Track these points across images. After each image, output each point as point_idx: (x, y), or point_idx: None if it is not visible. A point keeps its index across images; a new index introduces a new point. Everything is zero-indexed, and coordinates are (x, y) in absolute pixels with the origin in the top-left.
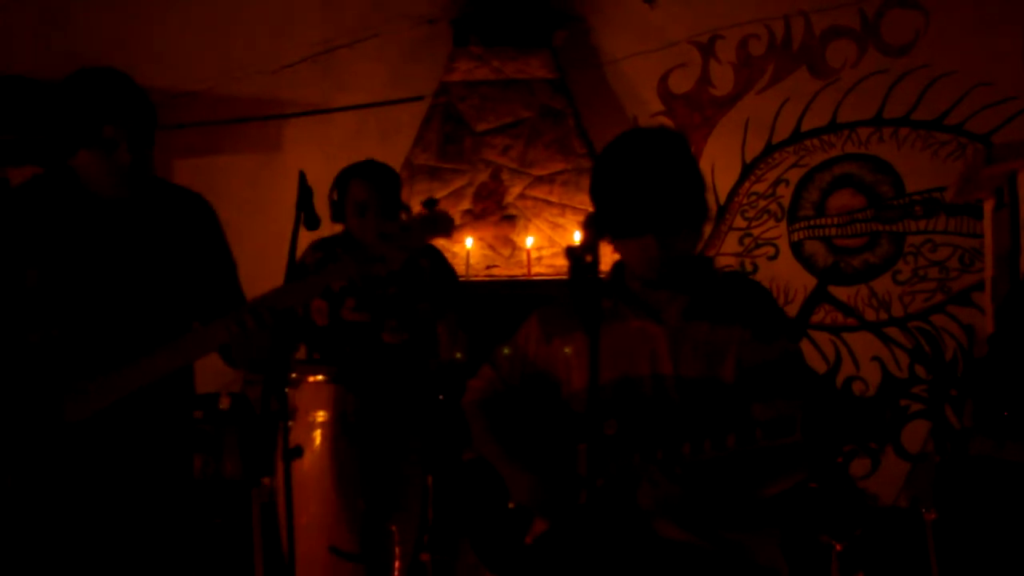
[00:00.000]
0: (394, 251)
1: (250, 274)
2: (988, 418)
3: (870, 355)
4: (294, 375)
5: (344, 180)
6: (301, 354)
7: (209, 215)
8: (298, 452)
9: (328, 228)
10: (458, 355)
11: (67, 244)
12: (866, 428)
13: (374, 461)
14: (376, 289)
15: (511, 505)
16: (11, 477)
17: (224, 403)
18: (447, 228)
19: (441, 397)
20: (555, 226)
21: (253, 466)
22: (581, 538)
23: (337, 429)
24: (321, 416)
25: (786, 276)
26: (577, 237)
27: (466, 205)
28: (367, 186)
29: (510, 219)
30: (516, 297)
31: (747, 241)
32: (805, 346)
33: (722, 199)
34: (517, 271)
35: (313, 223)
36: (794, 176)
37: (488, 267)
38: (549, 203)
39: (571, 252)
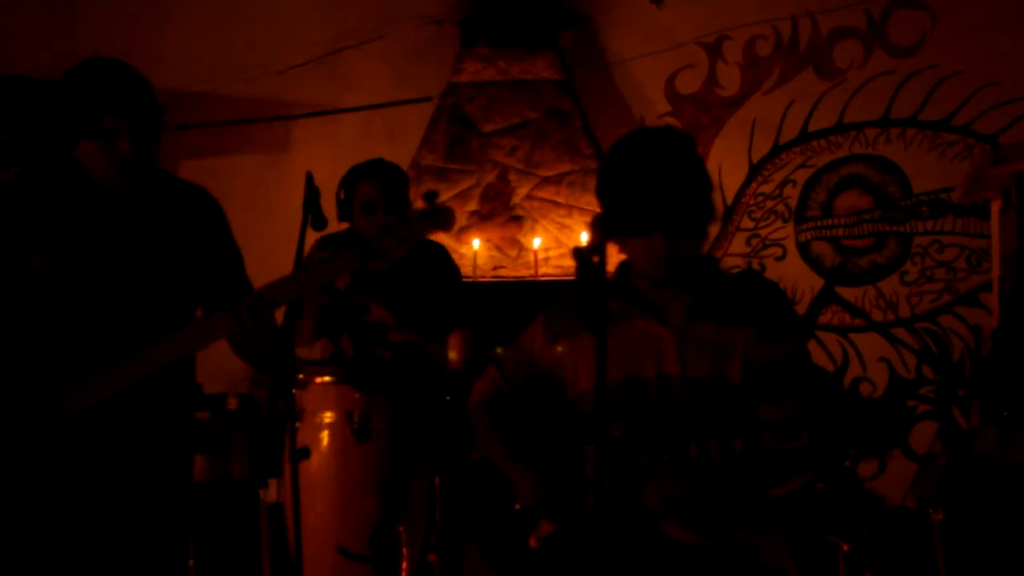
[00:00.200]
0: (394, 244)
1: (257, 274)
2: (993, 414)
3: (877, 356)
4: (301, 376)
5: (351, 179)
6: (307, 354)
7: (214, 208)
8: (305, 453)
9: (335, 228)
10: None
11: (68, 234)
12: (874, 432)
13: (381, 462)
14: (383, 287)
15: (517, 506)
16: (10, 466)
17: (232, 404)
18: (447, 221)
19: (448, 398)
20: (562, 227)
21: (261, 467)
22: (587, 539)
23: (344, 430)
24: (328, 417)
25: (793, 277)
26: (584, 238)
27: (473, 206)
28: (374, 185)
29: (517, 220)
30: (523, 298)
31: (754, 242)
32: (812, 347)
33: (729, 200)
34: (524, 272)
35: (320, 224)
36: (801, 177)
37: (495, 268)
38: (556, 204)
39: (578, 253)
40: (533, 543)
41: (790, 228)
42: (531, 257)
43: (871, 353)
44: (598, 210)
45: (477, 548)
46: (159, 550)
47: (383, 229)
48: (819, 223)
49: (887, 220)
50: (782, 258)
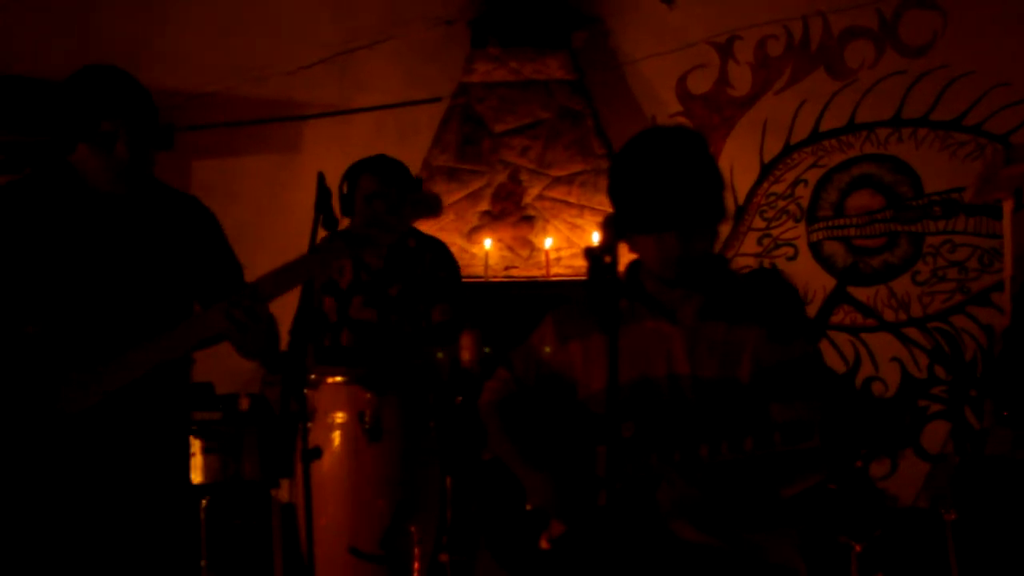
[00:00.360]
0: (382, 232)
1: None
2: (1004, 413)
3: (889, 356)
4: (313, 376)
5: (354, 174)
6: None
7: (208, 217)
8: (317, 453)
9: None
10: (487, 349)
11: (65, 237)
12: (885, 432)
13: (393, 462)
14: (382, 287)
15: (528, 507)
16: (8, 466)
17: (243, 404)
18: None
19: (459, 398)
20: (573, 227)
21: (272, 467)
22: (599, 540)
23: (356, 430)
24: (340, 417)
25: (805, 277)
26: (596, 238)
27: (484, 206)
28: (376, 179)
29: (528, 220)
30: (534, 298)
31: (766, 242)
32: (824, 347)
33: (741, 200)
34: (536, 272)
35: (332, 224)
36: (813, 177)
37: (507, 268)
38: (568, 204)
39: (590, 253)
40: (544, 544)
41: (802, 228)
42: (543, 257)
43: (883, 353)
44: (610, 210)
45: (488, 549)
46: (157, 550)
47: (370, 217)
48: (831, 223)
49: (899, 220)
50: (794, 258)
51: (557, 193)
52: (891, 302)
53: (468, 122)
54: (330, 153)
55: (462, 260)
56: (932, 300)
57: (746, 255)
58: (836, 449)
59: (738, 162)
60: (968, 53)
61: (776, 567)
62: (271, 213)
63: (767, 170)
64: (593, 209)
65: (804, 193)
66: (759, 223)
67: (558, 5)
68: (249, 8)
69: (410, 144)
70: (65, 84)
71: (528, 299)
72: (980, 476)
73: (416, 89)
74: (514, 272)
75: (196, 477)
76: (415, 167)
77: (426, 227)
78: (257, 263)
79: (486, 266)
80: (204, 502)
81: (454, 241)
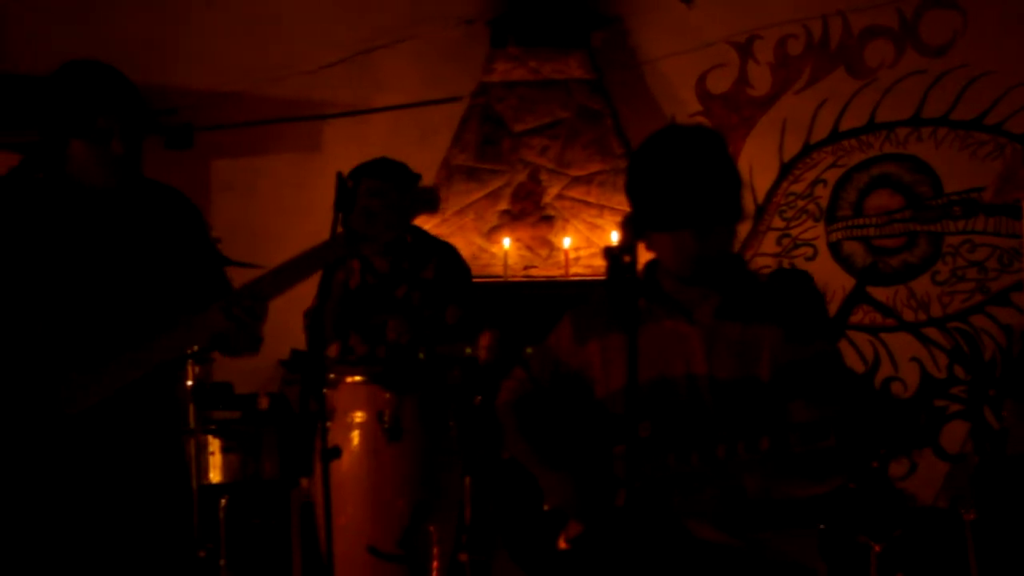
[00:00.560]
0: (380, 230)
1: None
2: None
3: (909, 356)
4: (332, 375)
5: (355, 177)
6: (334, 352)
7: (194, 211)
8: (336, 453)
9: None
10: (468, 350)
11: (58, 232)
12: (901, 433)
13: (412, 461)
14: (388, 289)
15: (545, 507)
16: (9, 469)
17: (263, 403)
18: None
19: (478, 398)
20: (593, 227)
21: (292, 467)
22: (617, 540)
23: (375, 430)
24: (359, 416)
25: (824, 276)
26: (615, 238)
27: (504, 206)
28: (377, 181)
29: (548, 220)
30: (553, 298)
31: (785, 241)
32: (843, 347)
33: (760, 199)
34: (555, 272)
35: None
36: (832, 176)
37: (526, 268)
38: (587, 204)
39: (609, 252)
40: (563, 545)
41: (821, 228)
42: (562, 257)
43: (902, 353)
44: (629, 210)
45: (506, 549)
46: (153, 549)
47: (368, 214)
48: (850, 223)
49: (918, 220)
50: (813, 258)
51: (576, 193)
52: (910, 302)
53: (487, 122)
54: (349, 153)
55: (481, 260)
56: (951, 300)
57: (765, 255)
58: (852, 449)
59: (757, 162)
60: (988, 53)
61: (795, 567)
62: (290, 212)
63: (786, 170)
64: (612, 209)
65: (823, 193)
66: (778, 223)
67: (577, 5)
68: (269, 8)
69: (429, 144)
70: (54, 80)
71: (547, 299)
72: (1000, 476)
73: (435, 89)
74: (533, 272)
75: (215, 476)
76: (434, 166)
77: (446, 226)
78: (276, 262)
79: (505, 266)
80: (223, 501)
81: (473, 240)
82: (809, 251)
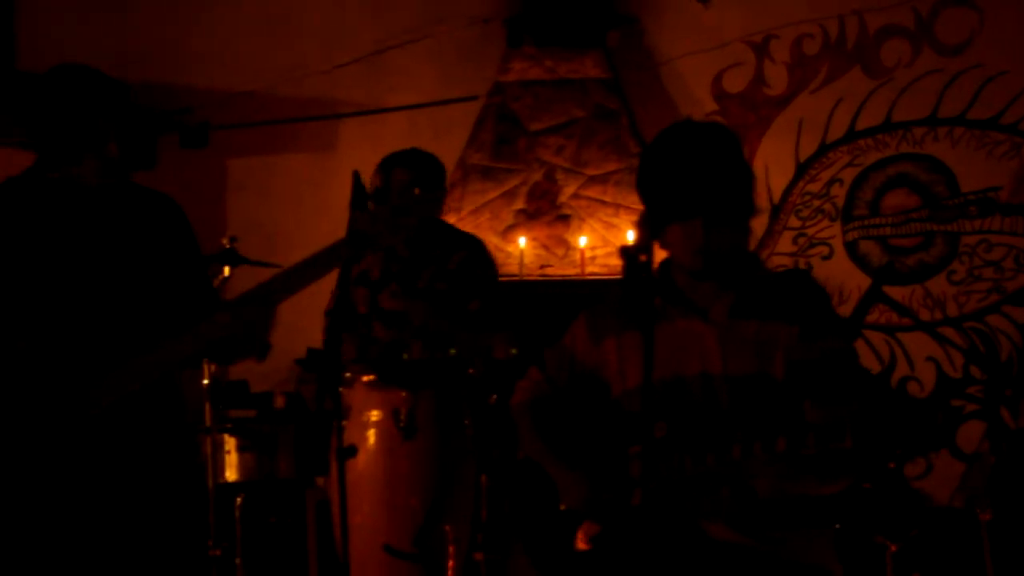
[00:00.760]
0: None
1: None
2: None
3: (925, 355)
4: (348, 374)
5: (387, 167)
6: (351, 353)
7: (180, 213)
8: (352, 451)
9: None
10: (513, 351)
11: (60, 233)
12: (917, 434)
13: (427, 460)
14: (411, 277)
15: (562, 507)
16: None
17: (278, 402)
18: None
19: (494, 396)
20: (609, 226)
21: (307, 465)
22: (633, 541)
23: (390, 428)
24: (374, 415)
25: (840, 276)
26: (631, 237)
27: (520, 205)
28: (409, 173)
29: (564, 219)
30: (569, 297)
31: (801, 241)
32: (860, 346)
33: (776, 199)
34: (571, 271)
35: None
36: (848, 176)
37: (542, 267)
38: (603, 203)
39: (625, 252)
40: (582, 545)
41: (837, 227)
42: (578, 256)
43: (918, 352)
44: (643, 208)
45: (523, 551)
46: (162, 550)
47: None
48: (866, 222)
49: (934, 219)
50: (829, 257)
51: (592, 192)
52: (926, 301)
53: (503, 121)
54: (365, 152)
55: (497, 259)
56: (968, 299)
57: (781, 254)
58: (868, 450)
59: (773, 161)
60: (1005, 52)
61: (811, 567)
62: (305, 212)
63: (802, 169)
64: (628, 208)
65: (839, 192)
66: (794, 222)
67: (594, 4)
68: (285, 7)
69: (445, 143)
70: (50, 84)
71: (563, 298)
72: (1016, 476)
73: (451, 88)
74: (549, 271)
75: (231, 475)
76: (450, 166)
77: (461, 225)
78: (291, 261)
79: (521, 265)
80: (239, 500)
81: (489, 239)
82: (825, 250)
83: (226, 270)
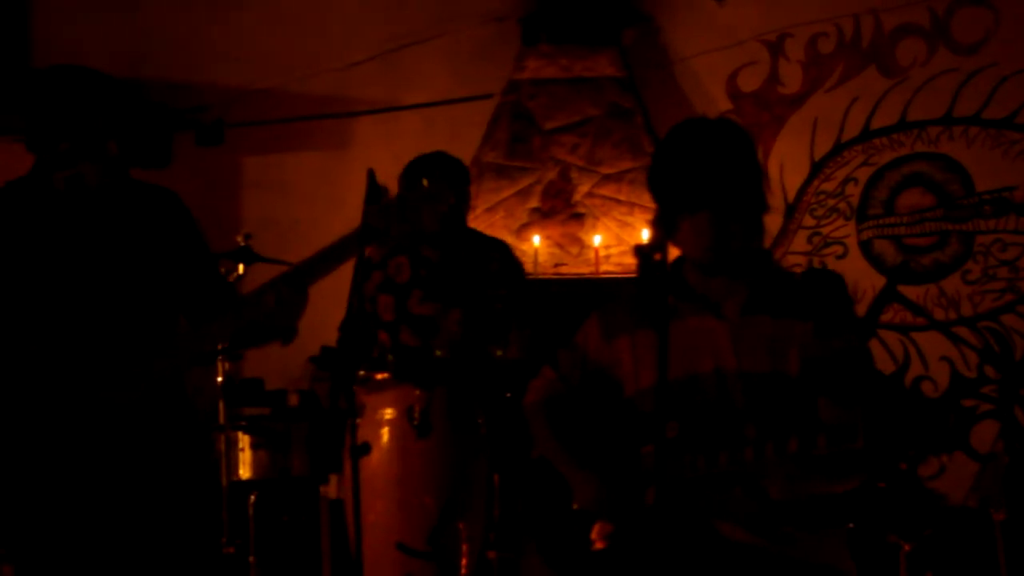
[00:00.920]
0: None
1: None
2: None
3: (939, 355)
4: (362, 372)
5: (412, 175)
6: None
7: (182, 207)
8: (366, 449)
9: None
10: (499, 352)
11: (57, 237)
12: (929, 436)
13: (441, 458)
14: (441, 281)
15: (575, 506)
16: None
17: (292, 400)
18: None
19: (508, 395)
20: (623, 224)
21: (321, 463)
22: (646, 540)
23: (404, 426)
24: (388, 413)
25: (855, 275)
26: (645, 236)
27: (534, 203)
28: (436, 177)
29: (578, 217)
30: (584, 295)
31: (816, 240)
32: (874, 345)
33: (791, 198)
34: (585, 269)
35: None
36: (863, 175)
37: (556, 265)
38: (617, 201)
39: (640, 250)
40: (599, 545)
41: (852, 226)
42: (592, 255)
43: (933, 352)
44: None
45: (536, 550)
46: (172, 547)
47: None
48: (881, 221)
49: (949, 219)
50: (843, 256)
51: (607, 190)
52: (941, 301)
53: (518, 119)
54: (379, 150)
55: None
56: (982, 299)
57: (796, 253)
58: (880, 452)
59: (788, 160)
60: (1021, 51)
61: (825, 567)
62: (320, 209)
63: (817, 168)
64: (643, 207)
65: (854, 191)
66: (809, 221)
67: (609, 2)
68: (300, 5)
69: (460, 141)
70: (42, 84)
71: (577, 296)
72: None
73: (466, 86)
74: (563, 270)
75: (245, 472)
76: (464, 164)
77: (476, 224)
78: (305, 258)
79: (535, 263)
80: (252, 497)
81: (503, 238)
82: (839, 249)
83: (241, 267)
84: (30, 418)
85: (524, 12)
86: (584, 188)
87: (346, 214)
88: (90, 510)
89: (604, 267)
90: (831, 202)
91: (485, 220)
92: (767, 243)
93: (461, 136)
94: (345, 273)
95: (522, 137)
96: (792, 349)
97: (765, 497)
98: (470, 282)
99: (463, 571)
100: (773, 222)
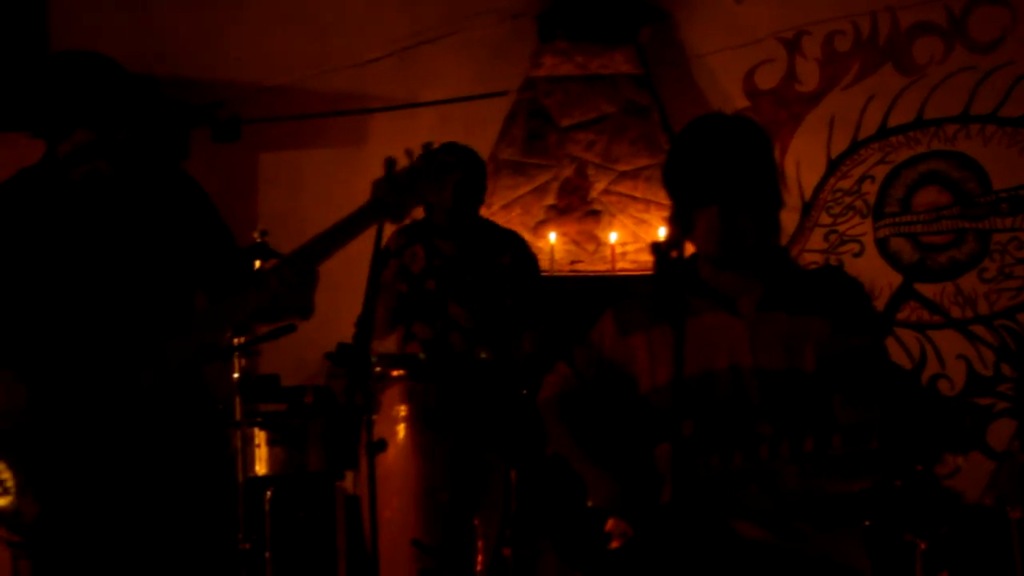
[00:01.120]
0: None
1: (336, 265)
2: None
3: (955, 353)
4: (378, 369)
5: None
6: (386, 348)
7: (196, 186)
8: (382, 446)
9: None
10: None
11: (69, 225)
12: (945, 438)
13: (457, 455)
14: (456, 273)
15: (590, 503)
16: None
17: (309, 396)
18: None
19: (524, 391)
20: (639, 222)
21: (337, 460)
22: (662, 538)
23: (420, 423)
24: (404, 410)
25: (871, 273)
26: (662, 233)
27: (550, 200)
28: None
29: (594, 215)
30: (600, 292)
31: (832, 238)
32: (890, 343)
33: (808, 195)
34: (601, 267)
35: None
36: (880, 173)
37: (572, 262)
38: (634, 199)
39: (656, 248)
40: (616, 543)
41: (868, 224)
42: (608, 252)
43: (949, 350)
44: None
45: (552, 547)
46: (190, 544)
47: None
48: (897, 219)
49: (966, 217)
50: (860, 254)
51: (623, 188)
52: (957, 299)
53: (534, 116)
54: (395, 146)
55: None
56: (999, 297)
57: (812, 251)
58: (894, 453)
59: (805, 158)
60: None
61: (840, 566)
62: (336, 206)
63: (834, 166)
64: (659, 204)
65: (871, 189)
66: (825, 219)
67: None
68: (317, 2)
69: (476, 138)
70: (57, 73)
71: (593, 294)
72: None
73: (482, 83)
74: (579, 267)
75: (261, 469)
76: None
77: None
78: None
79: (551, 260)
80: (269, 494)
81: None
82: (856, 247)
83: (257, 263)
84: (49, 409)
85: (541, 9)
86: (600, 185)
87: None
88: (107, 505)
89: (620, 264)
90: (848, 200)
91: (502, 217)
92: (783, 241)
93: (477, 133)
94: (362, 267)
95: (538, 134)
96: (808, 346)
97: (780, 495)
98: (482, 276)
99: (478, 568)
100: (790, 220)
